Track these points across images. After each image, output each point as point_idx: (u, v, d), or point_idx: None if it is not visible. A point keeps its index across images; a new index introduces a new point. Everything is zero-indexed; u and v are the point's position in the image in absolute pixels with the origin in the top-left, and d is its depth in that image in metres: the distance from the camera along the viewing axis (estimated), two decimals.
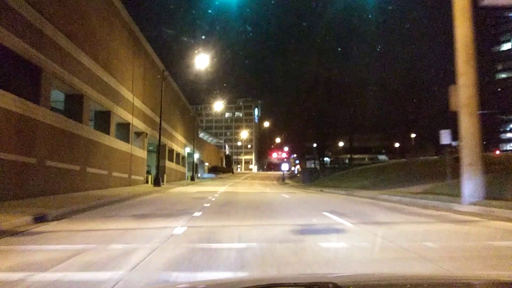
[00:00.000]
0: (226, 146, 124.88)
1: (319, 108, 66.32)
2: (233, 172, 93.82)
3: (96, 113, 20.55)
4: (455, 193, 11.93)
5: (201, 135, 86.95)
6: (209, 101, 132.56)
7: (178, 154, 41.27)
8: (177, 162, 40.80)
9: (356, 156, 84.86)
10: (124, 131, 23.88)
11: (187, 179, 44.25)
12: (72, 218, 8.68)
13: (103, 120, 20.47)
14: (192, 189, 24.36)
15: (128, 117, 23.65)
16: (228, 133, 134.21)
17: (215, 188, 25.22)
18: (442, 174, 19.75)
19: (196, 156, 52.67)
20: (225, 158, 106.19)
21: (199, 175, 64.18)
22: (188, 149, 46.39)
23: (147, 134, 28.04)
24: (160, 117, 25.55)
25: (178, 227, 6.82)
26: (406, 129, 73.68)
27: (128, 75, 23.83)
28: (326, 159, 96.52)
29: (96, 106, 19.41)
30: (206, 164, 78.40)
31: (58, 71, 14.70)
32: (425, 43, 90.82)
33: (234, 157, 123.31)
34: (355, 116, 67.36)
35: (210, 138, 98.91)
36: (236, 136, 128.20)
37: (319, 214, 8.92)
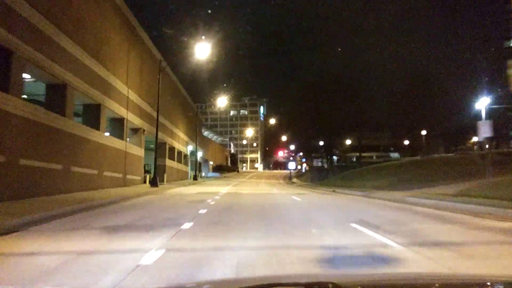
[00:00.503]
0: (231, 145, 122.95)
1: (326, 105, 64.28)
2: (238, 171, 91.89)
3: (85, 106, 18.60)
4: (504, 196, 9.79)
5: (206, 133, 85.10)
6: (213, 100, 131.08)
7: (179, 153, 39.34)
8: (179, 161, 38.88)
9: (364, 154, 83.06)
10: (118, 127, 21.94)
11: (190, 178, 42.30)
12: (28, 231, 6.73)
13: (92, 114, 18.50)
14: (192, 189, 22.36)
15: (122, 111, 21.69)
16: (233, 131, 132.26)
17: (217, 189, 23.23)
18: (470, 173, 17.55)
19: (200, 154, 50.72)
20: (230, 156, 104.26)
21: (203, 174, 62.35)
22: (191, 148, 44.49)
23: (144, 130, 26.09)
24: (158, 111, 23.44)
25: (153, 250, 4.78)
26: (416, 126, 71.60)
27: (122, 66, 21.87)
28: (333, 157, 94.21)
29: (84, 98, 17.45)
30: (211, 163, 76.56)
31: (34, 56, 12.72)
32: (436, 38, 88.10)
33: (240, 155, 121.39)
34: (363, 113, 65.07)
35: (215, 137, 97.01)
36: (241, 134, 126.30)
37: (346, 226, 6.83)
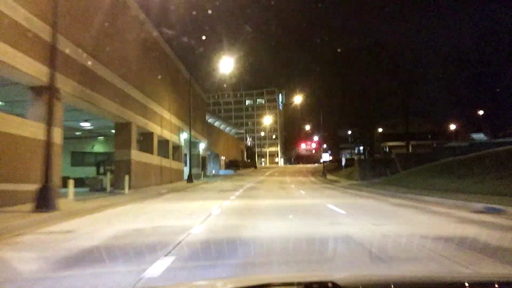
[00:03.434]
0: (248, 138, 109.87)
1: (362, 83, 50.80)
2: (256, 167, 78.94)
3: None
4: None
5: (217, 123, 72.43)
6: (226, 88, 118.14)
7: (165, 142, 26.45)
8: (164, 154, 26.02)
9: (393, 144, 70.66)
10: None
11: (187, 179, 29.27)
12: None
13: None
14: (135, 217, 9.36)
15: None
16: (249, 123, 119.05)
17: (204, 207, 10.27)
18: None
19: (202, 146, 37.89)
20: (246, 150, 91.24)
21: (213, 172, 49.67)
22: (185, 136, 31.53)
23: (59, 90, 13.06)
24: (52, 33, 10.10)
25: None
26: (468, 105, 57.57)
27: None
28: (360, 148, 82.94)
29: None
30: (223, 158, 63.79)
31: None
32: None
33: (257, 149, 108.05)
34: (411, 93, 50.69)
35: (228, 128, 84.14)
36: (258, 126, 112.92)
37: None
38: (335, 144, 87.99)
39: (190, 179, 26.38)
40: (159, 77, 25.43)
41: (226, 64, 26.59)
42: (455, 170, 17.53)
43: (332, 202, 11.97)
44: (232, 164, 66.04)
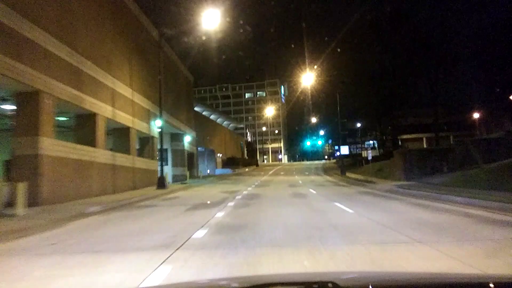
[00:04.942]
0: (248, 133, 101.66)
1: (381, 65, 42.62)
2: (257, 165, 70.90)
3: None
4: None
5: (213, 116, 64.46)
6: (226, 81, 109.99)
7: (123, 131, 18.34)
8: (123, 149, 17.93)
9: (407, 137, 62.23)
10: None
11: (157, 183, 20.95)
12: None
13: None
14: None
15: None
16: (250, 118, 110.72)
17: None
18: None
19: (188, 139, 29.71)
20: (247, 147, 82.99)
21: (208, 171, 41.70)
22: (159, 124, 23.29)
23: None
24: None
25: None
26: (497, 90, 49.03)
27: None
28: (370, 142, 75.25)
29: None
30: (219, 155, 55.70)
31: None
32: None
33: (259, 145, 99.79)
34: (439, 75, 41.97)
35: (226, 122, 76.06)
36: (259, 121, 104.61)
37: None
38: (343, 138, 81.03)
39: (161, 183, 18.10)
40: (110, 33, 17.21)
41: (212, 18, 18.22)
42: None
43: (473, 259, 3.88)
44: (231, 162, 58.00)
